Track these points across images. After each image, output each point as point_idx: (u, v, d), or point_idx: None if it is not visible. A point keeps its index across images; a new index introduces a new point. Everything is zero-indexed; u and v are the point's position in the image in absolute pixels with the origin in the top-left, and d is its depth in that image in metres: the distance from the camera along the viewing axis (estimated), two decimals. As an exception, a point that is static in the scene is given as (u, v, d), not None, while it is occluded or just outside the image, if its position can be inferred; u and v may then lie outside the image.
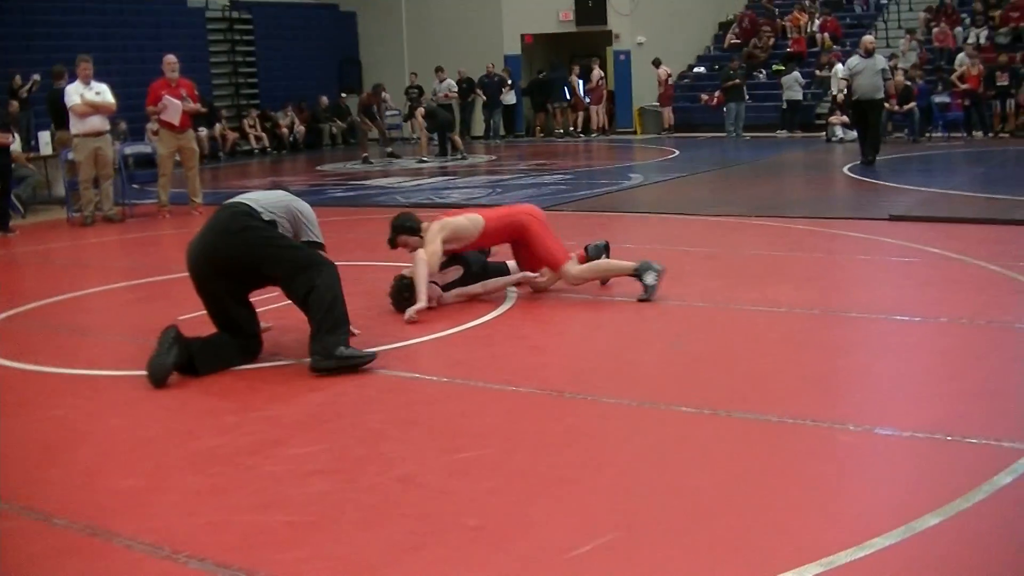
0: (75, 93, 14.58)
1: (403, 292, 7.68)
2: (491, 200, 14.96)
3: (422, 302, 7.47)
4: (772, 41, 29.97)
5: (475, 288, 8.00)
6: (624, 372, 6.14)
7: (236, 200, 6.60)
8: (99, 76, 15.02)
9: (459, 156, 23.41)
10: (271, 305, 7.46)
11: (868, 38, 18.07)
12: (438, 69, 28.33)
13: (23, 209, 16.27)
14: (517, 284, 8.18)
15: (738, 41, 30.32)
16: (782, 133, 26.06)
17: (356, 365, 6.18)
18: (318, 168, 23.44)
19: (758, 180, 16.89)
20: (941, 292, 7.97)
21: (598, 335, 7.13)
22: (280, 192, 6.90)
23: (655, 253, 9.64)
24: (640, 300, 7.73)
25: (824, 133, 23.98)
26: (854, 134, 22.22)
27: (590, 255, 8.32)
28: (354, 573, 3.71)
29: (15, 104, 19.87)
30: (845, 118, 23.40)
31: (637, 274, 7.86)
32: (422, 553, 3.84)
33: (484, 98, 29.42)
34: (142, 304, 8.95)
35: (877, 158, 17.56)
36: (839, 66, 25.79)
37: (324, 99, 30.51)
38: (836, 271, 9.02)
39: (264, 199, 6.64)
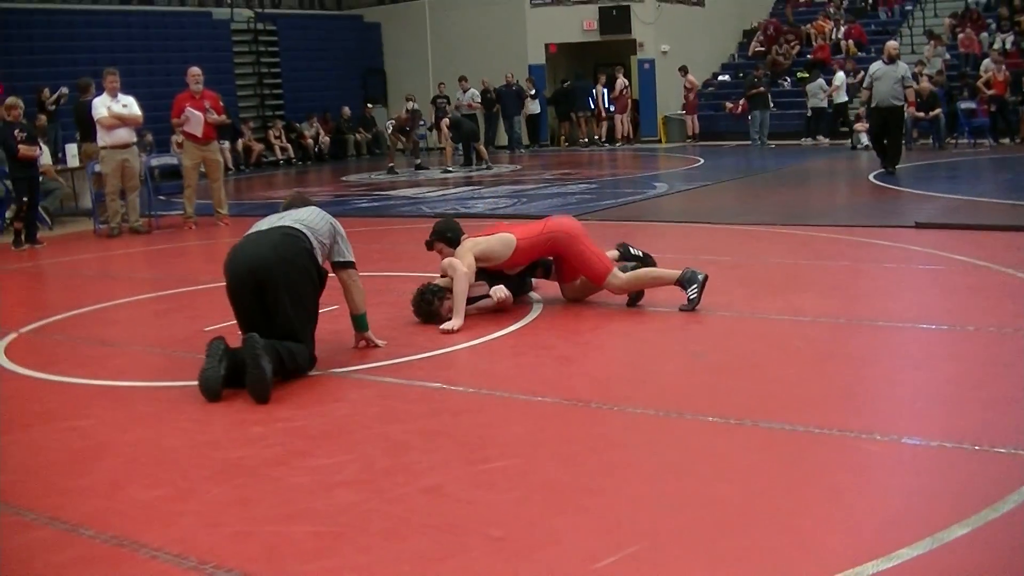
0: (102, 106, 14.68)
1: (425, 296, 7.70)
2: (516, 211, 14.99)
3: (459, 320, 7.50)
4: (796, 48, 29.92)
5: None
6: (649, 382, 6.13)
7: (289, 224, 6.51)
8: (125, 89, 15.13)
9: (484, 166, 23.45)
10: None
11: (892, 44, 17.87)
12: (461, 79, 28.35)
13: (50, 221, 16.37)
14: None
15: (762, 49, 30.31)
16: (807, 141, 26.00)
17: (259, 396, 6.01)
18: (343, 179, 23.52)
19: (783, 188, 16.85)
20: (968, 300, 7.92)
21: (623, 345, 7.12)
22: (317, 210, 6.82)
23: (680, 262, 9.61)
24: (682, 309, 7.68)
25: (849, 140, 23.90)
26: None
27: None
28: (379, 584, 3.71)
29: (43, 118, 20.01)
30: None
31: (681, 283, 7.78)
32: (448, 564, 3.83)
33: (498, 108, 29.44)
34: (168, 316, 8.99)
35: (898, 167, 17.40)
36: (840, 74, 25.78)
37: (346, 110, 30.63)
38: (861, 279, 8.97)
39: (311, 222, 6.57)
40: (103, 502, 4.68)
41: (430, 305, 7.64)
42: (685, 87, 28.44)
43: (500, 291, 7.83)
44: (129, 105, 14.86)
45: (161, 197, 17.17)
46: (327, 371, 6.62)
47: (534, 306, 8.09)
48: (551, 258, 8.14)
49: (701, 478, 4.57)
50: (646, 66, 30.17)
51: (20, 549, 4.24)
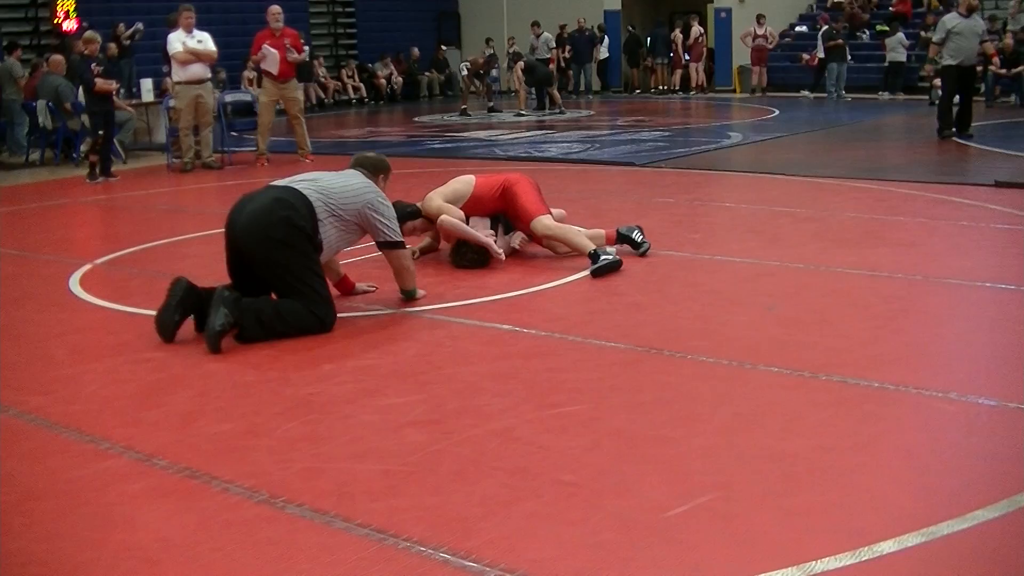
0: (177, 41, 14.74)
1: (461, 249, 7.77)
2: (588, 156, 14.98)
3: (487, 243, 7.67)
4: (876, 0, 29.44)
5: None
6: (720, 332, 6.07)
7: (296, 187, 6.28)
8: (200, 25, 15.12)
9: (557, 111, 23.34)
10: (361, 257, 7.50)
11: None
12: (534, 24, 28.10)
13: (124, 155, 16.50)
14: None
15: (841, 0, 29.81)
16: (884, 95, 25.59)
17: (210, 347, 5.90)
18: (415, 119, 23.51)
19: (858, 142, 16.59)
20: (1047, 261, 7.79)
21: (693, 295, 7.06)
22: (361, 181, 6.52)
23: (752, 214, 9.56)
24: (591, 273, 7.52)
25: (928, 96, 23.50)
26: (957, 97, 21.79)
27: (620, 234, 8.13)
28: (449, 525, 3.71)
29: (113, 47, 20.10)
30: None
31: (592, 256, 7.60)
32: (517, 507, 3.83)
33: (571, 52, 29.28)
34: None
35: (976, 124, 16.76)
36: (900, 34, 25.29)
37: (415, 51, 30.55)
38: (937, 237, 8.82)
39: (337, 190, 6.32)
40: (175, 434, 4.72)
41: (470, 253, 7.72)
42: (756, 36, 27.88)
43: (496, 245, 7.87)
44: (204, 41, 14.90)
45: (233, 133, 17.24)
46: (398, 310, 6.64)
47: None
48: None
49: (772, 431, 4.54)
50: (722, 15, 29.83)
51: (94, 477, 4.29)
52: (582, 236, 7.84)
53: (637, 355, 5.65)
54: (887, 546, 3.45)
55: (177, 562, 3.54)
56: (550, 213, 7.96)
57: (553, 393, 5.08)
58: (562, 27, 29.03)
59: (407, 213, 7.78)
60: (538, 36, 27.91)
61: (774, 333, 6.01)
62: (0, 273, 8.74)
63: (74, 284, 7.79)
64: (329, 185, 6.34)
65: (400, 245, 6.56)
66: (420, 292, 6.86)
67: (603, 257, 7.52)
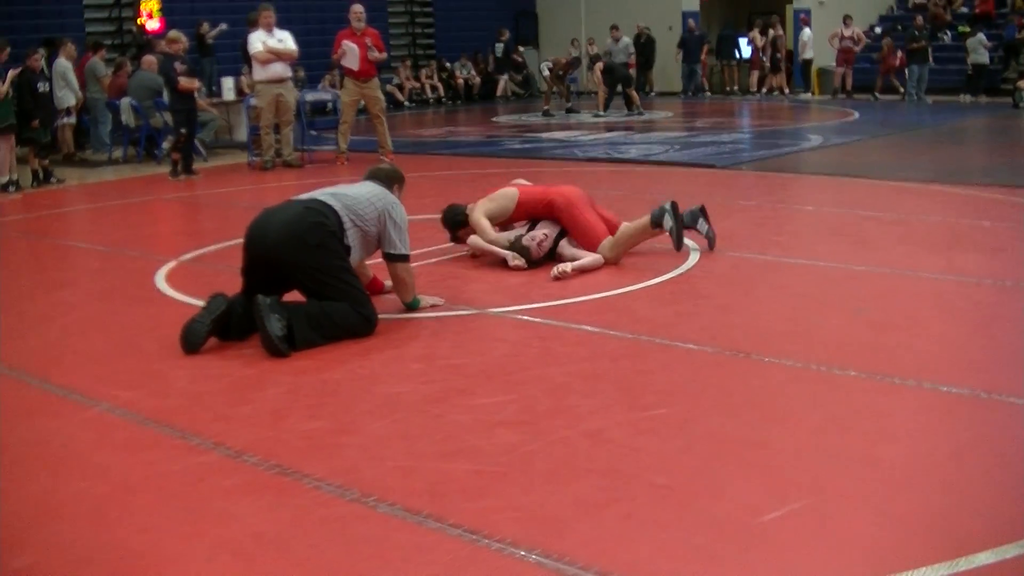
0: (258, 41, 14.83)
1: (513, 246, 7.85)
2: (668, 158, 14.90)
3: (504, 254, 7.79)
4: (959, 1, 29.05)
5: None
6: (809, 336, 6.00)
7: (322, 198, 6.31)
8: (280, 25, 15.22)
9: (636, 112, 23.25)
10: (431, 260, 7.50)
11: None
12: (613, 27, 27.87)
13: (205, 153, 16.66)
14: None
15: (923, 1, 29.46)
16: (965, 97, 25.25)
17: (273, 353, 5.87)
18: (493, 119, 23.53)
19: (942, 145, 16.40)
20: None
21: (781, 298, 7.00)
22: (377, 190, 6.54)
23: (836, 217, 9.47)
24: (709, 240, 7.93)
25: (1012, 98, 23.17)
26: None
27: (653, 219, 8.00)
28: (542, 525, 3.69)
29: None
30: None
31: (656, 223, 7.81)
32: (611, 509, 3.81)
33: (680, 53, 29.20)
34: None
35: None
36: (981, 35, 24.92)
37: (498, 46, 30.51)
38: (1027, 242, 8.68)
39: (356, 200, 6.35)
40: (266, 431, 4.75)
41: (514, 248, 7.79)
42: (844, 37, 27.46)
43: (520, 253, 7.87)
44: (284, 40, 14.99)
45: (313, 132, 17.34)
46: (484, 310, 6.65)
47: (691, 254, 7.99)
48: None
49: (865, 436, 4.48)
50: (802, 16, 29.56)
51: (187, 471, 4.33)
52: (631, 225, 7.90)
53: (726, 358, 5.61)
54: (985, 556, 3.40)
55: (271, 557, 3.56)
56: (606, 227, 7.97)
57: (644, 395, 5.06)
58: (639, 28, 28.88)
59: (457, 221, 8.16)
60: (617, 40, 27.69)
61: (864, 337, 5.93)
62: (87, 268, 8.88)
63: (160, 280, 7.87)
64: (350, 196, 6.37)
65: (405, 258, 6.51)
66: (428, 300, 6.77)
67: (666, 216, 7.77)
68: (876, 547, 3.50)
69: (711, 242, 8.14)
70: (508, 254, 7.75)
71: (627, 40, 27.08)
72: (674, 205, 7.81)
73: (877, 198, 11.06)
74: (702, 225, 8.14)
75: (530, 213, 8.04)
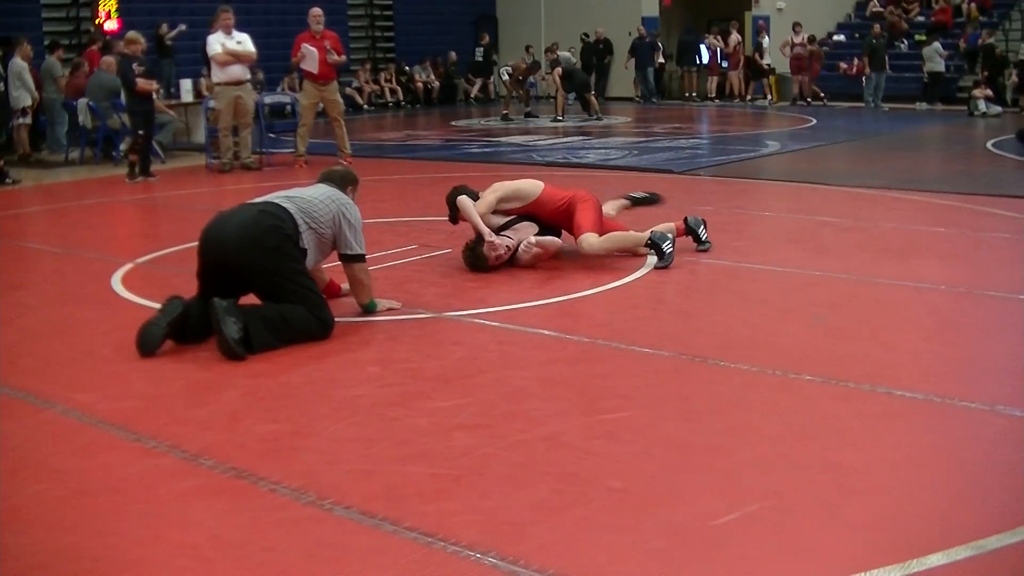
0: (216, 43, 14.77)
1: (472, 251, 7.80)
2: (627, 163, 14.95)
3: (486, 234, 7.74)
4: (916, 10, 29.27)
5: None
6: (768, 342, 6.03)
7: (277, 201, 6.28)
8: (240, 27, 15.16)
9: (594, 117, 23.29)
10: (388, 263, 7.49)
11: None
12: (548, 50, 27.47)
13: (163, 155, 16.56)
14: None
15: (880, 9, 29.65)
16: (922, 105, 25.45)
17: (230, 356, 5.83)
18: (452, 123, 23.52)
19: (898, 153, 16.49)
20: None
21: (741, 304, 7.03)
22: (331, 192, 6.51)
23: (794, 223, 9.53)
24: (657, 268, 7.75)
25: (967, 106, 23.37)
26: (998, 108, 21.60)
27: (689, 226, 8.31)
28: (499, 529, 3.70)
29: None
30: (989, 91, 22.83)
31: (652, 244, 7.84)
32: (568, 513, 3.82)
33: (609, 59, 29.18)
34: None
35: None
36: (937, 44, 25.15)
37: (452, 54, 30.55)
38: (982, 249, 8.74)
39: (311, 203, 6.31)
40: (223, 434, 4.73)
41: (479, 254, 7.74)
42: (794, 44, 27.49)
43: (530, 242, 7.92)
44: (243, 42, 14.93)
45: (272, 135, 17.28)
46: (441, 314, 6.64)
47: (648, 258, 7.99)
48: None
49: (822, 441, 4.51)
50: (760, 22, 29.71)
51: (144, 474, 4.30)
52: (630, 234, 7.98)
53: (685, 363, 5.63)
54: (937, 559, 3.43)
55: (228, 561, 3.55)
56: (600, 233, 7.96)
57: (601, 399, 5.07)
58: (598, 33, 28.95)
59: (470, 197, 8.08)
60: (555, 57, 26.98)
61: (823, 344, 5.97)
62: (43, 270, 8.82)
63: (116, 282, 7.82)
64: (304, 199, 6.34)
65: (361, 258, 6.48)
66: (385, 304, 6.74)
67: (666, 246, 7.75)
68: (831, 550, 3.53)
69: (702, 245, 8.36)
70: (485, 230, 7.74)
71: (567, 55, 26.79)
72: (674, 240, 7.90)
73: (835, 204, 11.13)
74: (703, 232, 8.38)
75: (549, 207, 8.04)
